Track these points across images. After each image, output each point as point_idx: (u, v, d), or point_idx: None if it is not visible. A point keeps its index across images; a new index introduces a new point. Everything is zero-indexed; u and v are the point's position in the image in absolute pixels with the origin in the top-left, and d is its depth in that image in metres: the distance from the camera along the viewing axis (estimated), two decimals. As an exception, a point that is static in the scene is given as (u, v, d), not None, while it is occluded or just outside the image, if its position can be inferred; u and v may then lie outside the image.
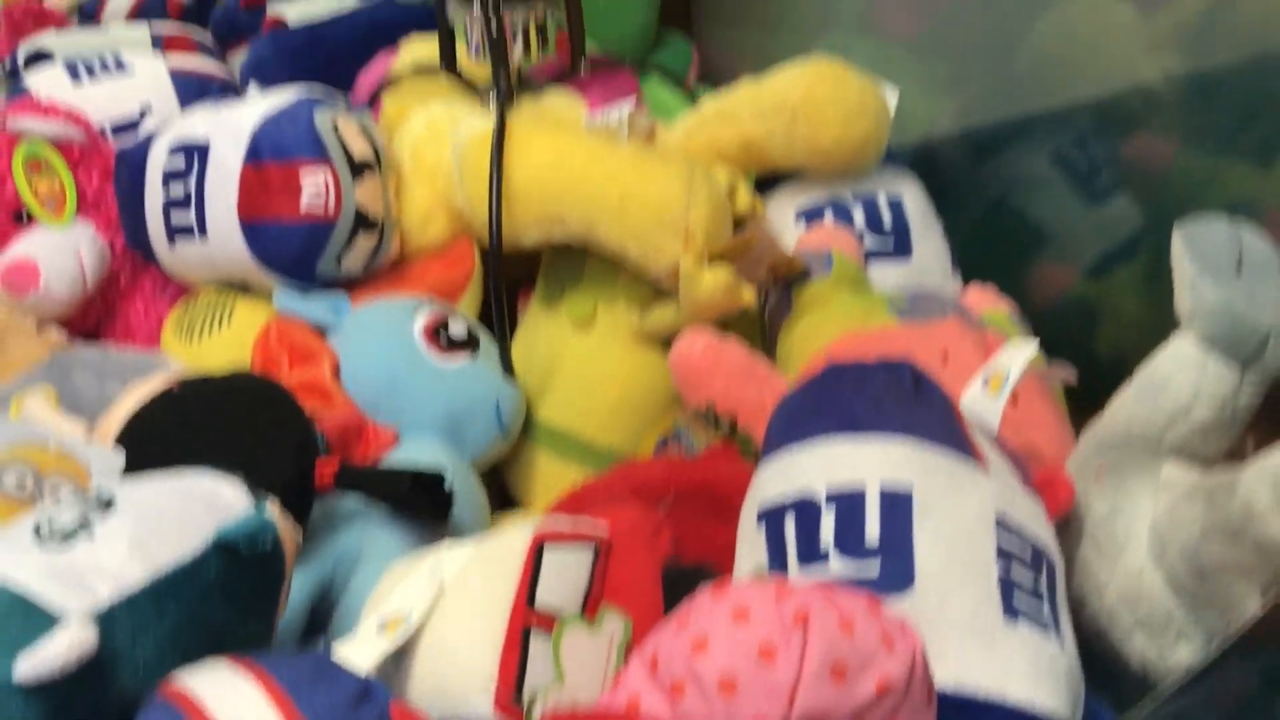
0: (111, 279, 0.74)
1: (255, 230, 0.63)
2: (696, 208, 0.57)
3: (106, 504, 0.41)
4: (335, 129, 0.65)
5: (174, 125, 0.69)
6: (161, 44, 0.89)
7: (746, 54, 0.93)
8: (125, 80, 0.80)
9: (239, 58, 0.91)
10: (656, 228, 0.57)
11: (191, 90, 0.82)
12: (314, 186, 0.63)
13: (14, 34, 0.93)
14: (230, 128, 0.65)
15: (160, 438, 0.50)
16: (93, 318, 0.74)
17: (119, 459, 0.47)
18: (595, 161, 0.60)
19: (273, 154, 0.63)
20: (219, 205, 0.64)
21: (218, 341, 0.66)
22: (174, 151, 0.67)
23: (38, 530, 0.40)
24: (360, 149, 0.66)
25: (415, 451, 0.59)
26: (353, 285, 0.69)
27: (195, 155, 0.65)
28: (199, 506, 0.42)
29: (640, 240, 0.58)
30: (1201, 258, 0.47)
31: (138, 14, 1.02)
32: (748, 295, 0.56)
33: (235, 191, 0.63)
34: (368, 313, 0.64)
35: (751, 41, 0.95)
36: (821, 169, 0.67)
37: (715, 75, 0.94)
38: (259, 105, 0.66)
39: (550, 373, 0.64)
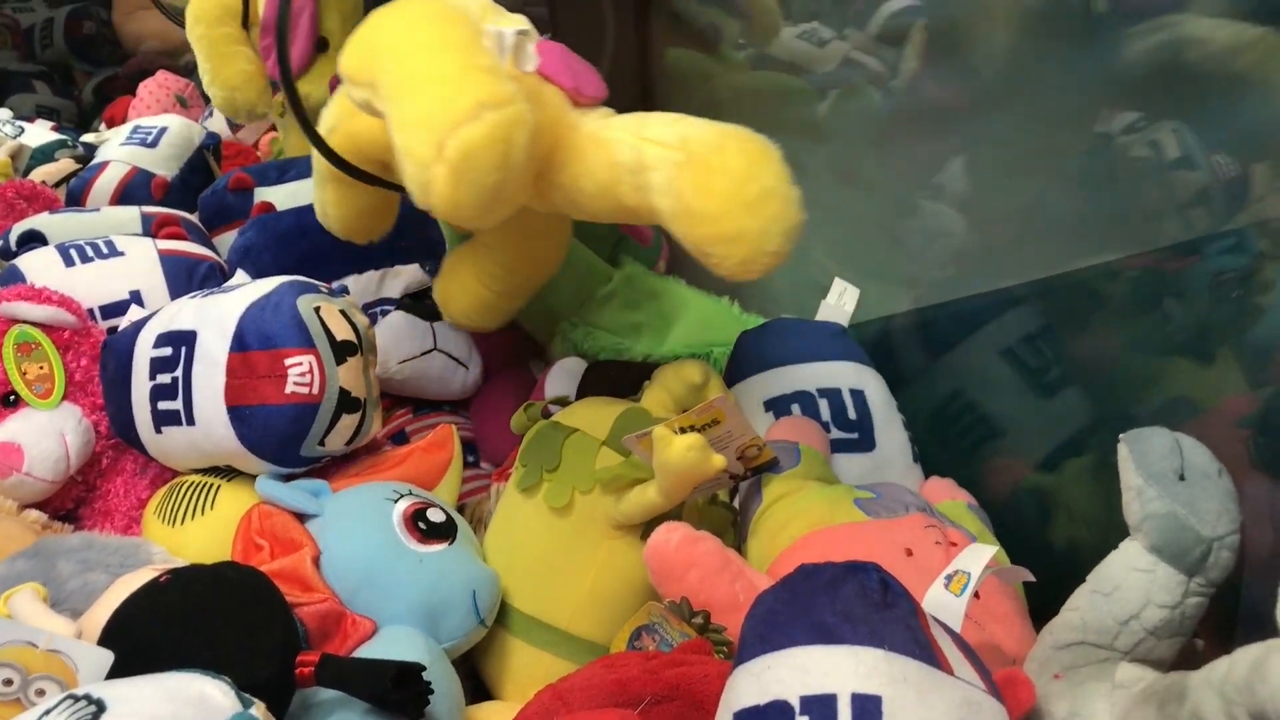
0: (93, 459, 0.75)
1: (242, 416, 0.65)
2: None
3: (99, 708, 0.42)
4: (318, 314, 0.68)
5: (161, 315, 0.71)
6: (151, 225, 0.92)
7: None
8: (116, 264, 0.83)
9: (226, 239, 0.95)
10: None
11: (180, 272, 0.84)
12: (299, 371, 0.65)
13: (8, 214, 0.96)
14: (216, 317, 0.68)
15: (148, 633, 0.51)
16: (72, 496, 0.75)
17: (107, 659, 0.47)
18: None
19: (258, 342, 0.66)
20: (206, 393, 0.66)
21: (200, 527, 0.67)
22: (161, 341, 0.69)
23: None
24: (342, 332, 0.68)
25: (393, 640, 0.60)
26: (334, 468, 0.71)
27: (183, 345, 0.68)
28: (189, 711, 0.43)
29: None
30: (1146, 467, 0.50)
31: (122, 194, 1.06)
32: (718, 461, 0.58)
33: (222, 379, 0.66)
34: (348, 498, 0.66)
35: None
36: (682, 230, 0.59)
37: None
38: (244, 295, 0.68)
39: (526, 560, 0.66)
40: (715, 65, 1.14)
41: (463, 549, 0.65)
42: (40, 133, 1.34)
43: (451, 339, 0.88)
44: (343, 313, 0.69)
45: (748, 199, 0.57)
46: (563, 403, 0.72)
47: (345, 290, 0.73)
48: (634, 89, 1.20)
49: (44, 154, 1.28)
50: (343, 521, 0.64)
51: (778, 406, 0.70)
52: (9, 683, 0.47)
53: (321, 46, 0.99)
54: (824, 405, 0.69)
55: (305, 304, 0.68)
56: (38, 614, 0.49)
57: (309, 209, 0.88)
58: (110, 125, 1.49)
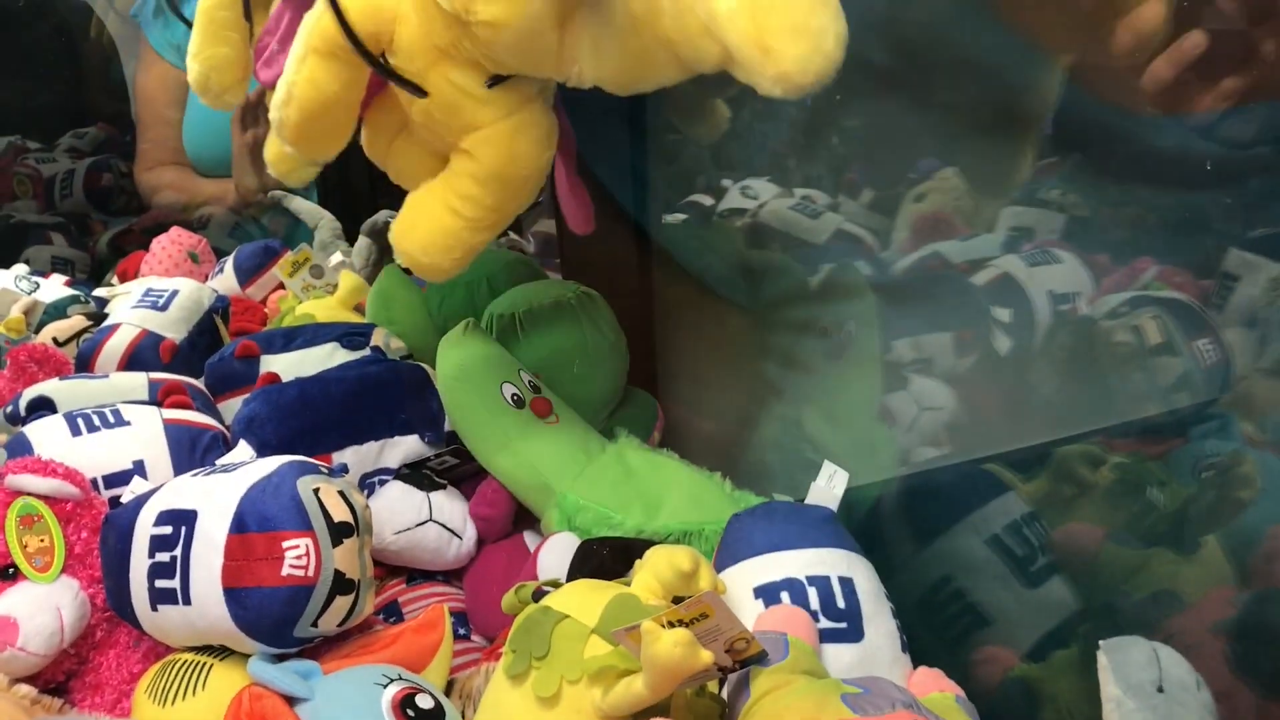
0: (88, 632, 0.75)
1: (238, 598, 0.66)
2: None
3: None
4: (317, 495, 0.69)
5: (163, 492, 0.73)
6: (158, 392, 0.94)
7: (708, 414, 1.01)
8: (122, 433, 0.85)
9: (232, 405, 0.97)
10: None
11: (184, 442, 0.86)
12: (296, 554, 0.67)
13: (19, 378, 0.98)
14: (217, 497, 0.69)
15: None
16: (64, 669, 0.75)
17: None
18: None
19: (257, 524, 0.67)
20: (204, 574, 0.67)
21: (191, 707, 0.67)
22: (161, 520, 0.70)
23: None
24: (340, 513, 0.70)
25: (377, 834, 0.59)
26: (326, 647, 0.71)
27: (183, 524, 0.69)
28: None
29: None
30: (1124, 678, 0.51)
31: (131, 357, 1.08)
32: (705, 657, 0.58)
33: (220, 561, 0.67)
34: (338, 682, 0.66)
35: (712, 401, 1.02)
36: (744, 24, 0.57)
37: (678, 431, 1.00)
38: (245, 475, 0.70)
39: (513, 748, 0.66)
40: (712, 235, 1.19)
41: (450, 736, 0.65)
42: (54, 288, 1.38)
43: (447, 510, 0.89)
44: (341, 493, 0.71)
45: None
46: (554, 585, 0.73)
47: (345, 469, 0.75)
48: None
49: (57, 310, 1.31)
50: (333, 706, 0.64)
51: (767, 594, 0.71)
52: None
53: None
54: (813, 593, 0.70)
55: (305, 485, 0.69)
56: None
57: (312, 381, 0.91)
58: (123, 279, 1.53)
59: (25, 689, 0.71)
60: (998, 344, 1.02)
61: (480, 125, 0.73)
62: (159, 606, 0.69)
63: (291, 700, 0.65)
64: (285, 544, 0.67)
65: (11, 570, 0.73)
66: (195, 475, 0.73)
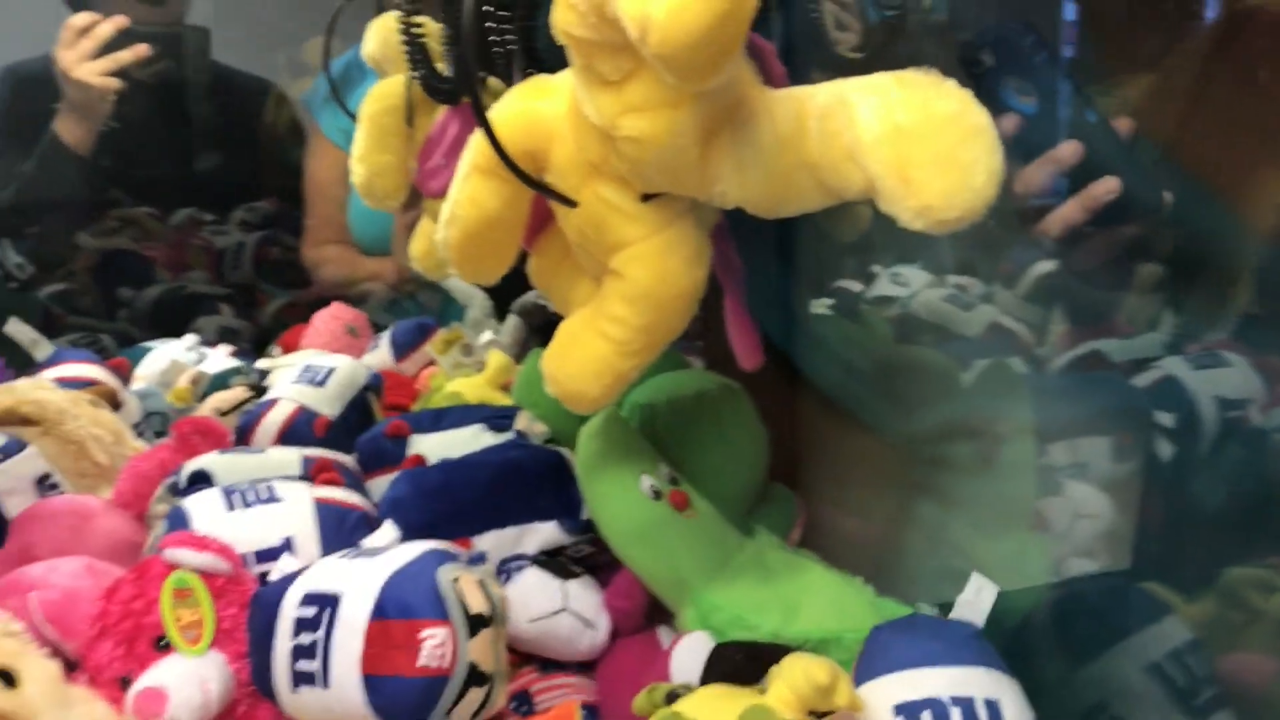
0: (231, 707, 0.77)
1: (375, 684, 0.67)
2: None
3: None
4: (455, 585, 0.70)
5: (310, 573, 0.75)
6: (310, 469, 0.98)
7: (851, 513, 0.98)
8: (274, 509, 0.88)
9: (380, 483, 0.99)
10: None
11: (332, 521, 0.88)
12: (433, 643, 0.67)
13: (182, 449, 1.03)
14: (360, 582, 0.70)
15: None
16: (207, 743, 0.77)
17: None
18: None
19: (397, 611, 0.68)
20: (344, 658, 0.68)
21: (324, 791, 0.68)
22: (307, 601, 0.72)
23: None
24: (477, 604, 0.70)
25: None
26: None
27: (327, 606, 0.71)
28: None
29: None
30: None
31: (287, 432, 1.12)
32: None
33: (360, 646, 0.68)
34: (468, 777, 0.66)
35: (856, 501, 1.00)
36: (888, 151, 0.57)
37: (820, 530, 0.98)
38: (389, 560, 0.71)
39: None
40: (859, 332, 1.17)
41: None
42: (219, 359, 1.45)
43: (582, 599, 0.89)
44: (480, 584, 0.71)
45: (964, 128, 0.56)
46: (686, 689, 0.72)
47: (484, 557, 0.75)
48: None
49: (220, 381, 1.38)
50: (461, 801, 0.64)
51: (909, 712, 0.68)
52: None
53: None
54: (956, 714, 0.67)
55: (445, 575, 0.70)
56: None
57: (456, 465, 0.93)
58: (285, 350, 1.59)
59: (172, 762, 0.73)
60: (1160, 451, 0.98)
61: (629, 242, 0.73)
62: (300, 688, 0.71)
63: (420, 791, 0.66)
64: (423, 633, 0.67)
65: (164, 643, 0.76)
66: (342, 557, 0.75)
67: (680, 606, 0.88)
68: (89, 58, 1.68)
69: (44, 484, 1.01)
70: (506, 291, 1.71)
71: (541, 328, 1.62)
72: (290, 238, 2.11)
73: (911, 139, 0.56)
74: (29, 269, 1.92)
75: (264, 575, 0.83)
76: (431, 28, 1.10)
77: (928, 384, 1.04)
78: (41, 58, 1.78)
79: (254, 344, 1.83)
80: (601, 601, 0.90)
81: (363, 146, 1.13)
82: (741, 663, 0.76)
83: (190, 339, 1.47)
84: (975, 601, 0.76)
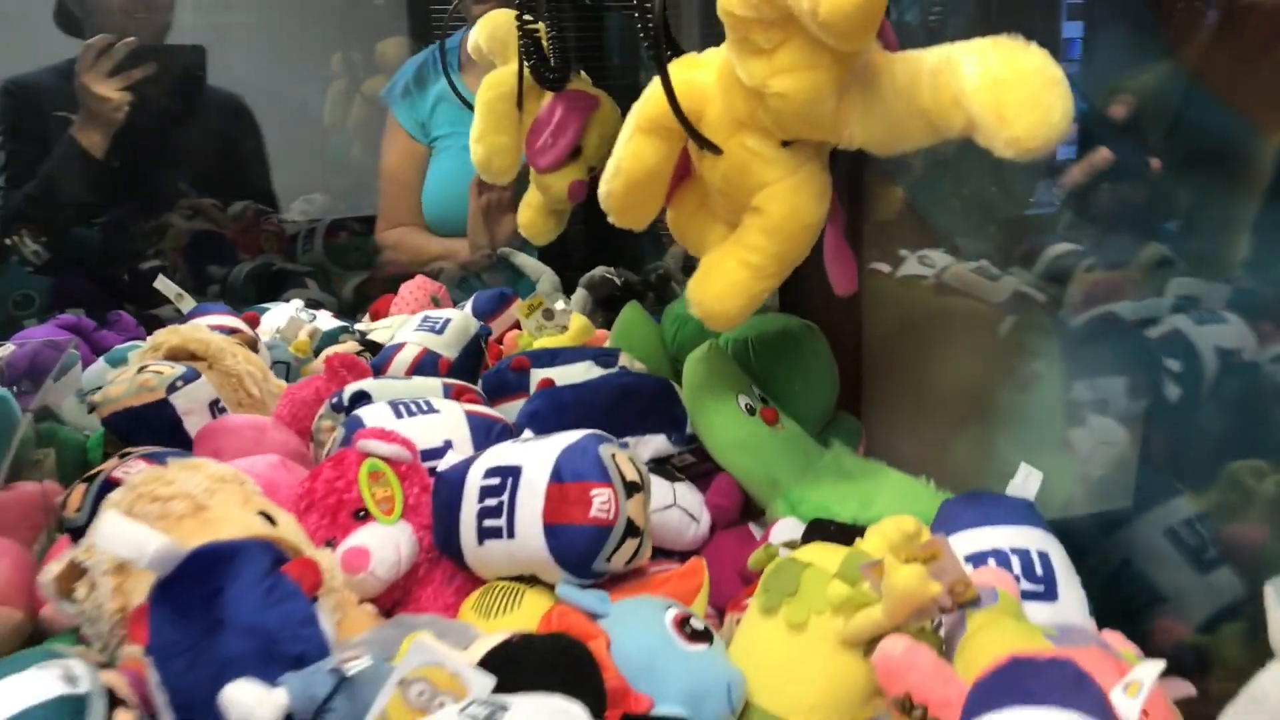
0: (413, 569, 0.94)
1: (555, 532, 0.84)
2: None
3: (504, 709, 0.60)
4: (613, 459, 0.87)
5: (488, 454, 0.92)
6: (451, 392, 1.15)
7: (907, 437, 1.16)
8: (433, 419, 1.05)
9: (503, 408, 1.16)
10: None
11: (481, 428, 1.06)
12: (600, 500, 0.84)
13: (334, 380, 1.20)
14: (537, 456, 0.88)
15: (508, 674, 0.68)
16: (392, 598, 0.94)
17: (492, 683, 0.65)
18: None
19: (571, 476, 0.85)
20: (527, 513, 0.85)
21: (509, 619, 0.85)
22: (491, 473, 0.89)
23: (463, 711, 0.58)
24: (630, 474, 0.87)
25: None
26: (610, 585, 0.88)
27: (509, 476, 0.88)
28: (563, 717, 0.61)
29: None
30: (1288, 603, 0.64)
31: (415, 368, 1.29)
32: (935, 587, 0.73)
33: (541, 504, 0.85)
34: (627, 605, 0.83)
35: (911, 426, 1.17)
36: (987, 98, 0.72)
37: (879, 454, 1.15)
38: (559, 440, 0.89)
39: (767, 668, 0.81)
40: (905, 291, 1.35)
41: (719, 652, 0.81)
42: (326, 319, 1.62)
43: (687, 498, 1.06)
44: (630, 460, 0.88)
45: (1047, 78, 0.73)
46: (792, 546, 0.89)
47: (627, 445, 0.92)
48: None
49: (330, 337, 1.54)
50: (626, 621, 0.81)
51: (975, 560, 0.85)
52: (422, 693, 0.65)
53: (574, 154, 1.25)
54: (1015, 561, 0.84)
55: (605, 450, 0.87)
56: (441, 647, 0.67)
57: (583, 386, 1.10)
58: (374, 318, 1.76)
59: (370, 608, 0.90)
60: (1168, 391, 1.15)
61: (769, 182, 0.90)
62: (485, 542, 0.88)
63: (592, 616, 0.83)
64: (592, 492, 0.84)
65: (363, 513, 0.93)
66: (514, 444, 0.92)
67: (771, 501, 1.05)
68: (106, 75, 1.88)
69: (214, 407, 1.18)
70: (571, 268, 1.89)
71: (605, 300, 1.80)
72: (356, 223, 2.28)
73: (1005, 86, 0.73)
74: (44, 255, 2.08)
75: (431, 470, 0.99)
76: (541, 25, 1.28)
77: (971, 329, 1.22)
78: (36, 72, 1.98)
79: (337, 315, 2.00)
80: (703, 500, 1.07)
81: (480, 129, 1.30)
82: (834, 531, 0.94)
83: (298, 302, 1.64)
84: (1023, 486, 0.93)
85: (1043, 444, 1.11)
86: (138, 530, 0.64)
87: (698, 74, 0.92)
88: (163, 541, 0.65)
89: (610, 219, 1.00)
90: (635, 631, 0.80)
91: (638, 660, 0.78)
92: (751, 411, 1.06)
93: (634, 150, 0.95)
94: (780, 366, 1.11)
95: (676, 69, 0.92)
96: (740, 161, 0.91)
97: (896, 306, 1.26)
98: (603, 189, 0.97)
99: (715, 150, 0.91)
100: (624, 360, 1.22)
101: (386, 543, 0.91)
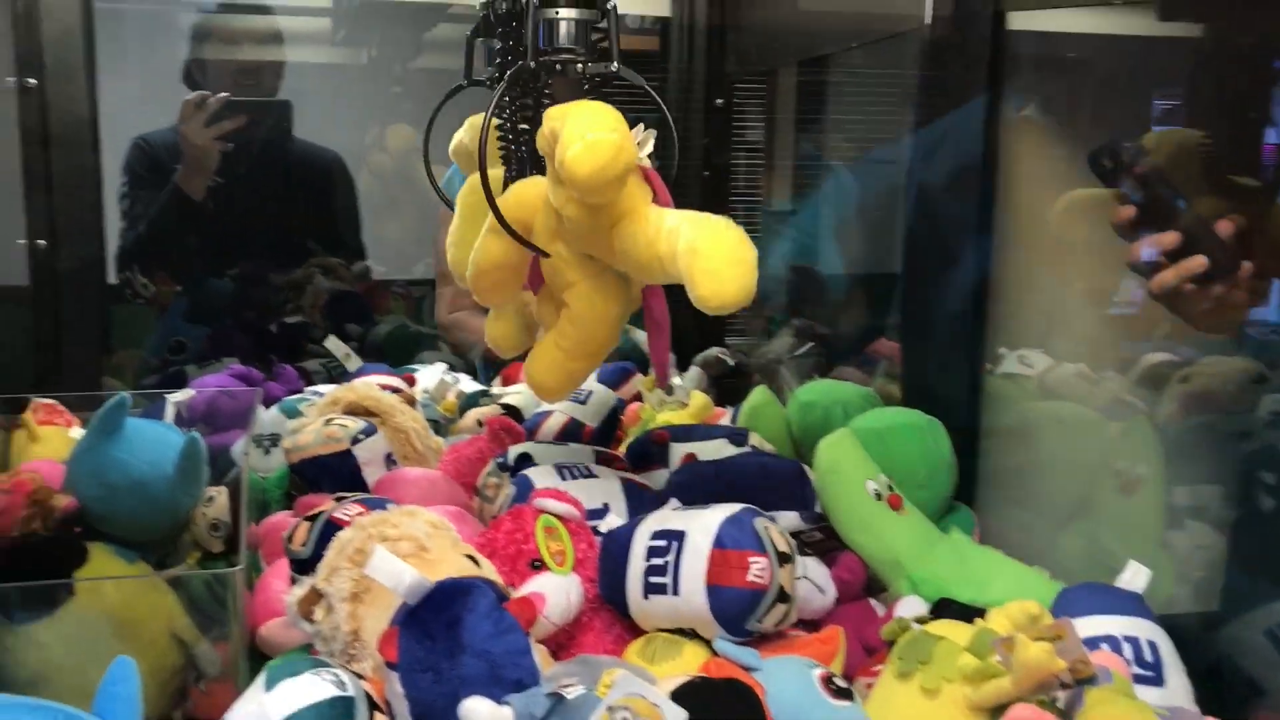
0: (576, 617, 1.06)
1: (716, 592, 0.96)
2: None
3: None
4: (766, 530, 0.99)
5: (651, 519, 1.04)
6: (599, 459, 1.27)
7: (1019, 529, 1.26)
8: (593, 483, 1.17)
9: (648, 476, 1.28)
10: None
11: (634, 494, 1.18)
12: (758, 567, 0.96)
13: (494, 441, 1.33)
14: (700, 524, 0.99)
15: (697, 707, 0.79)
16: (555, 642, 1.06)
17: (684, 715, 0.76)
18: None
19: (731, 544, 0.97)
20: (691, 574, 0.97)
21: (671, 667, 0.96)
22: (657, 535, 1.01)
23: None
24: (782, 546, 0.99)
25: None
26: (758, 644, 0.99)
27: (674, 539, 1.00)
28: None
29: None
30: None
31: (560, 434, 1.42)
32: (1061, 663, 0.83)
33: (705, 566, 0.96)
34: (778, 663, 0.94)
35: (1023, 519, 1.28)
36: (685, 264, 0.93)
37: (991, 542, 1.25)
38: (719, 512, 1.00)
39: (901, 725, 0.92)
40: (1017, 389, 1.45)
41: (860, 709, 0.91)
42: (468, 383, 1.76)
43: (815, 571, 1.17)
44: (781, 533, 1.00)
45: (731, 256, 0.92)
46: (921, 621, 1.00)
47: (775, 519, 1.04)
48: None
49: (471, 400, 1.68)
50: (777, 676, 0.92)
51: (1090, 644, 0.95)
52: (625, 719, 0.76)
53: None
54: (1127, 647, 0.94)
55: (759, 523, 0.99)
56: (640, 682, 0.79)
57: (724, 462, 1.22)
58: (506, 383, 1.90)
59: (541, 647, 1.02)
60: (1262, 502, 1.24)
61: (573, 283, 1.11)
62: (650, 596, 0.99)
63: (746, 669, 0.94)
64: (750, 559, 0.96)
65: (538, 563, 1.05)
66: (675, 510, 1.04)
67: (893, 580, 1.15)
68: (202, 125, 2.08)
69: (389, 460, 1.32)
70: (682, 347, 2.02)
71: (718, 378, 1.92)
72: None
73: (698, 256, 0.92)
74: (151, 289, 2.25)
75: (593, 528, 1.12)
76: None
77: (1077, 431, 1.32)
78: (163, 130, 2.18)
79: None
80: (829, 574, 1.18)
81: (458, 232, 1.35)
82: (958, 610, 1.04)
83: (442, 366, 1.79)
84: (1132, 580, 1.03)
85: (1144, 543, 1.21)
86: (399, 565, 0.77)
87: (532, 190, 1.11)
88: (416, 575, 0.77)
89: (475, 299, 1.21)
90: (786, 685, 0.91)
91: (789, 711, 0.89)
92: (879, 497, 1.17)
93: (484, 246, 1.16)
94: (906, 457, 1.22)
95: (521, 186, 1.14)
96: (555, 263, 1.11)
97: (1011, 405, 1.37)
98: (469, 276, 1.18)
99: (540, 253, 1.11)
100: (754, 440, 1.33)
101: (559, 591, 1.03)
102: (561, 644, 1.06)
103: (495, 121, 1.21)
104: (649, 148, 1.05)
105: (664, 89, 2.06)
